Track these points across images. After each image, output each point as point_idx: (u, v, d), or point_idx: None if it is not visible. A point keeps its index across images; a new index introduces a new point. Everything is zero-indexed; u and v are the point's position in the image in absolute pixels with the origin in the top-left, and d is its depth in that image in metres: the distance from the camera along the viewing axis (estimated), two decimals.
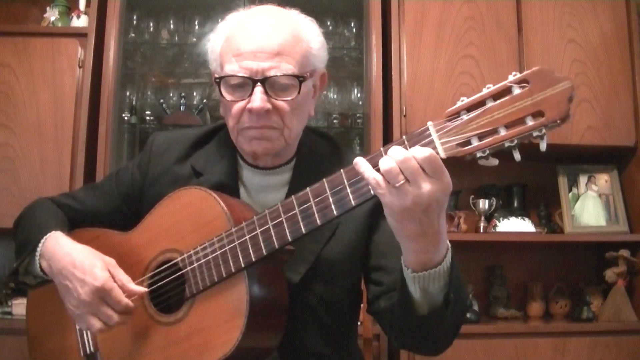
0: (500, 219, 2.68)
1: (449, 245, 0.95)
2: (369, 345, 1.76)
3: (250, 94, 1.11)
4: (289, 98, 1.12)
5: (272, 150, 1.18)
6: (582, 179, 2.77)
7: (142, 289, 1.14)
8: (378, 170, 0.87)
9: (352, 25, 2.81)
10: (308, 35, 1.17)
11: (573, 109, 2.77)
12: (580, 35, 2.66)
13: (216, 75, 1.16)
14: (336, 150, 1.29)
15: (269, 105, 1.11)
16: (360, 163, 0.90)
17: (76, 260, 1.13)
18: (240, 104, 1.13)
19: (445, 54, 2.58)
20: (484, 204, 2.68)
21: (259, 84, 1.10)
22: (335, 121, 2.77)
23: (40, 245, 1.19)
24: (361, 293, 1.30)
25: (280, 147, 1.18)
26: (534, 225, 2.69)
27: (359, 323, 1.77)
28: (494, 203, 2.70)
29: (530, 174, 2.91)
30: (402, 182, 0.84)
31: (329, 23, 2.80)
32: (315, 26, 1.21)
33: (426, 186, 0.84)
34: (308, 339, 1.18)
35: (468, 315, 2.46)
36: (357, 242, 1.19)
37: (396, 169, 0.84)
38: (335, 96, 2.82)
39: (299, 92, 1.13)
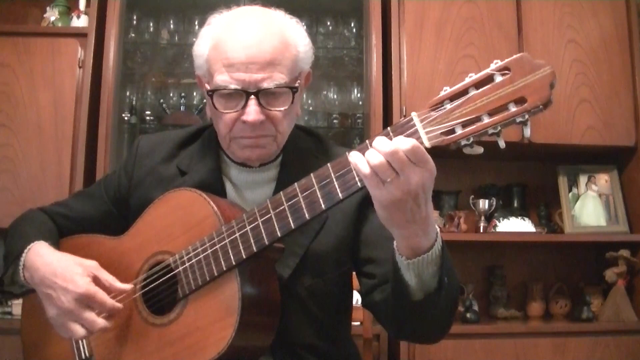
0: (500, 219, 2.68)
1: (438, 230, 0.97)
2: (369, 345, 1.76)
3: (244, 106, 1.11)
4: (282, 108, 1.13)
5: (265, 156, 1.20)
6: (582, 179, 2.77)
7: (129, 286, 1.14)
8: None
9: (352, 25, 2.81)
10: (296, 39, 1.16)
11: (573, 109, 2.78)
12: (580, 35, 2.66)
13: (208, 87, 1.15)
14: (321, 145, 1.30)
15: (263, 117, 1.11)
16: (353, 158, 0.90)
17: (57, 269, 1.13)
18: (233, 115, 1.13)
19: (445, 54, 2.58)
20: (484, 204, 2.68)
21: (252, 96, 1.10)
22: (335, 121, 2.77)
23: (23, 255, 1.20)
24: (351, 285, 1.31)
25: (273, 152, 1.20)
26: (534, 225, 2.69)
27: (358, 323, 1.78)
28: (494, 203, 2.70)
29: (530, 174, 2.91)
30: (392, 177, 0.86)
31: (329, 23, 2.80)
32: (301, 27, 1.20)
33: (414, 176, 0.86)
34: (299, 332, 1.19)
35: (468, 315, 2.47)
36: (346, 235, 1.20)
37: (385, 164, 0.86)
38: (335, 96, 2.82)
39: (292, 102, 1.14)
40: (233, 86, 1.10)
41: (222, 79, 1.11)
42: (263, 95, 1.11)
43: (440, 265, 0.97)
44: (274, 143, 1.17)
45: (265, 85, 1.09)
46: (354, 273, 1.28)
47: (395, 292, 1.02)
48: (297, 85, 1.15)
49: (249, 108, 1.10)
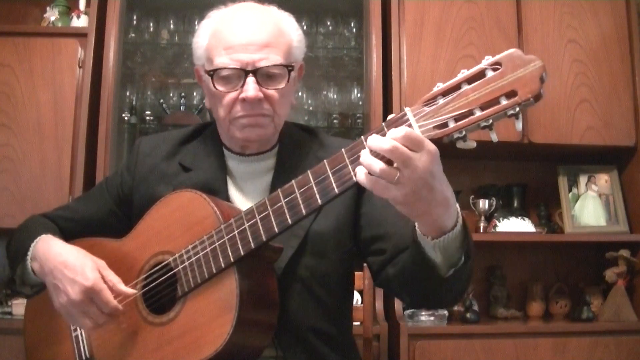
0: (500, 219, 2.68)
1: (458, 207, 0.99)
2: (369, 345, 1.76)
3: (243, 85, 1.17)
4: (279, 87, 1.20)
5: (264, 137, 1.24)
6: (582, 179, 2.77)
7: (132, 291, 1.15)
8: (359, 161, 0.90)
9: (352, 25, 2.81)
10: (290, 29, 1.25)
11: (573, 109, 2.77)
12: (580, 35, 2.66)
13: (207, 68, 1.21)
14: (314, 135, 1.35)
15: (261, 94, 1.17)
16: (359, 175, 0.91)
17: (67, 260, 1.14)
18: (232, 95, 1.19)
19: (445, 54, 2.58)
20: (484, 204, 2.68)
21: (250, 74, 1.17)
22: (335, 121, 2.77)
23: (30, 248, 1.21)
24: (352, 268, 1.33)
25: (271, 133, 1.25)
26: (534, 225, 2.69)
27: (358, 323, 1.78)
28: (494, 203, 2.71)
29: (530, 174, 2.91)
30: (397, 176, 0.87)
31: (329, 23, 2.80)
32: (294, 21, 1.28)
33: (417, 163, 0.86)
34: (303, 314, 1.21)
35: (468, 315, 2.47)
36: (346, 215, 1.24)
37: (386, 169, 0.87)
38: (335, 96, 2.82)
39: (288, 81, 1.20)
40: (232, 65, 1.16)
41: (222, 60, 1.18)
42: (260, 74, 1.17)
43: (463, 239, 0.99)
44: (272, 124, 1.23)
45: (262, 64, 1.17)
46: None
47: (420, 271, 1.03)
48: (292, 64, 1.21)
49: (247, 85, 1.17)
